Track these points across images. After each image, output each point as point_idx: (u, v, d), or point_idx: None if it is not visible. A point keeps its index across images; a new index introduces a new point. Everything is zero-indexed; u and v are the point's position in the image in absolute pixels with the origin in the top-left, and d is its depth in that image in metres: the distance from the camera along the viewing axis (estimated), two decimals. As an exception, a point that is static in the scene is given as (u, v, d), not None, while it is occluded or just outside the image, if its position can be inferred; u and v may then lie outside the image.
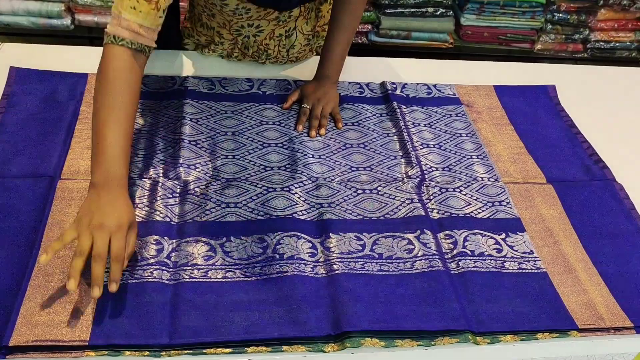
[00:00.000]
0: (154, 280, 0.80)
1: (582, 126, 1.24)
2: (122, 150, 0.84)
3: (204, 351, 0.73)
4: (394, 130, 1.15)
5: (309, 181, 1.00)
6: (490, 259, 0.91)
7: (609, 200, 1.06)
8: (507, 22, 2.21)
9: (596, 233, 1.00)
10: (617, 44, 2.33)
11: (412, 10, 2.14)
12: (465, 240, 0.94)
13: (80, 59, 1.19)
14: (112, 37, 0.88)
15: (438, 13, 2.16)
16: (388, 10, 2.13)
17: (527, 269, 0.91)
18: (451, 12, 2.19)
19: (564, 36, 2.29)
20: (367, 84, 1.26)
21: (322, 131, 1.12)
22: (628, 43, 2.33)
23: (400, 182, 1.03)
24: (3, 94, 1.07)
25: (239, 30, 1.16)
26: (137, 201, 0.90)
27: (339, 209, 0.96)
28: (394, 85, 1.25)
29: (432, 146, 1.13)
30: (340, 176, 1.03)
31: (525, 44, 2.28)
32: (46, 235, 0.83)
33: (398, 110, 1.19)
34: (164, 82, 1.16)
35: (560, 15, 2.23)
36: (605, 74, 1.47)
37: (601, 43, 2.31)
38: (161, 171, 0.97)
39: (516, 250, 0.94)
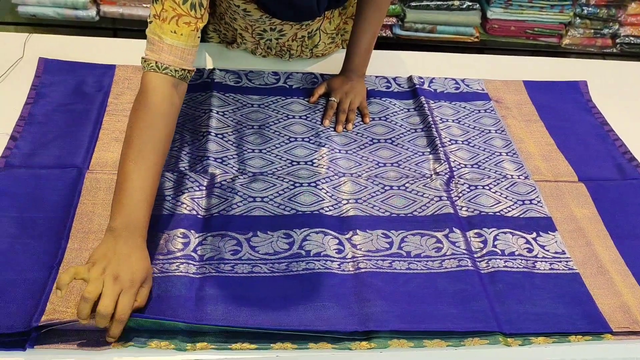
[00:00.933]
0: (181, 274, 0.79)
1: (614, 123, 1.21)
2: (148, 196, 0.78)
3: (230, 346, 0.73)
4: (421, 126, 1.13)
5: (336, 176, 0.99)
6: (521, 259, 0.89)
7: None
8: (534, 15, 2.16)
9: (630, 234, 0.97)
10: (648, 39, 2.27)
11: (438, 3, 2.10)
12: (495, 239, 0.92)
13: (106, 51, 1.19)
14: (155, 65, 0.84)
15: (464, 6, 2.12)
16: (413, 4, 2.10)
17: (559, 269, 0.89)
18: (477, 5, 2.15)
19: (592, 31, 2.23)
20: (394, 78, 1.24)
21: (350, 126, 1.10)
22: (659, 38, 2.27)
23: (429, 179, 1.01)
24: (32, 85, 1.07)
25: (261, 34, 1.15)
26: (165, 193, 0.90)
27: (366, 205, 0.95)
28: (422, 80, 1.23)
29: (461, 142, 1.11)
30: (367, 172, 1.01)
31: (552, 39, 2.23)
32: (74, 227, 0.83)
33: (426, 105, 1.17)
34: None
35: (590, 9, 2.17)
36: (636, 69, 1.43)
37: (631, 38, 2.25)
38: (187, 164, 0.97)
39: (547, 250, 0.92)
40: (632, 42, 2.27)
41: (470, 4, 2.13)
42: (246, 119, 1.08)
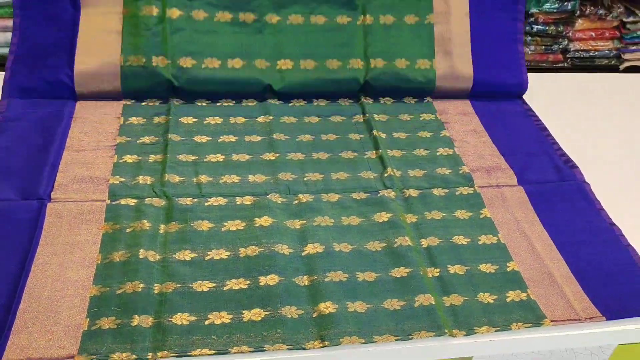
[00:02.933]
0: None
1: (555, 130, 1.29)
2: None
3: (189, 353, 0.77)
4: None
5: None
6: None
7: (579, 201, 1.10)
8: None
9: (567, 231, 1.03)
10: (596, 53, 2.39)
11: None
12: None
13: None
14: None
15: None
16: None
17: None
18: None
19: (543, 47, 2.36)
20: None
21: None
22: (607, 51, 2.40)
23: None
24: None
25: None
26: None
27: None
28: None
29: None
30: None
31: (506, 57, 2.35)
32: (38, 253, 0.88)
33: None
34: None
35: (539, 26, 2.30)
36: (579, 80, 1.53)
37: (580, 52, 2.38)
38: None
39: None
40: (582, 55, 2.40)
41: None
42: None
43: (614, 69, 2.41)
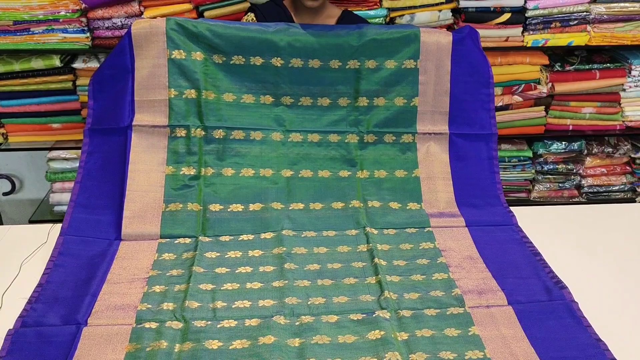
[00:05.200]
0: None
1: (557, 258, 1.38)
2: None
3: None
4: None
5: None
6: None
7: (566, 318, 1.17)
8: (500, 175, 2.43)
9: (553, 346, 1.09)
10: (611, 187, 2.48)
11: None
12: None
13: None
14: None
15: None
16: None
17: None
18: (447, 172, 2.45)
19: (557, 184, 2.48)
20: None
21: None
22: (621, 186, 2.49)
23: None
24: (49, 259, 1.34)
25: None
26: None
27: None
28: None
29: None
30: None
31: (521, 194, 2.48)
32: None
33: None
34: None
35: (549, 166, 2.44)
36: (576, 212, 1.65)
37: (595, 187, 2.48)
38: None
39: None
40: (597, 190, 2.49)
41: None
42: None
43: (630, 201, 2.48)
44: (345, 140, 1.57)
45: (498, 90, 2.30)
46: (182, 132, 1.51)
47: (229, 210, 1.48)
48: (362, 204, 1.51)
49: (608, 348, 1.08)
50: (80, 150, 2.33)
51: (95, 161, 1.50)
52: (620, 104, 2.35)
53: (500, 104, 2.29)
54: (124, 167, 1.48)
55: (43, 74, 2.20)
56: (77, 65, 2.20)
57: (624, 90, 2.32)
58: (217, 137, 1.53)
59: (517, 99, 2.29)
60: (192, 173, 1.51)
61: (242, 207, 1.49)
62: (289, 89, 1.56)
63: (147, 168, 1.49)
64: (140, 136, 1.49)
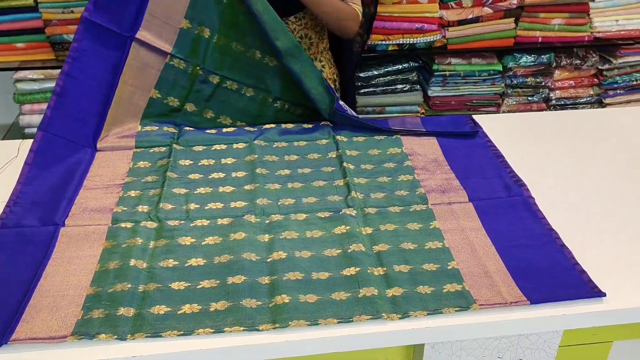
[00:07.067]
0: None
1: (514, 159, 1.43)
2: None
3: (161, 334, 0.93)
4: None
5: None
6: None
7: (522, 212, 1.24)
8: (470, 89, 2.47)
9: (508, 236, 1.16)
10: (578, 99, 2.55)
11: (383, 88, 2.43)
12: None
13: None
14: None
15: (407, 89, 2.45)
16: (362, 91, 2.43)
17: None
18: (418, 87, 2.47)
19: (526, 97, 2.53)
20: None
21: None
22: (588, 97, 2.55)
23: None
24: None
25: None
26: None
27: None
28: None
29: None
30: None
31: (491, 107, 2.53)
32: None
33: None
34: None
35: (518, 80, 2.48)
36: (540, 119, 1.70)
37: (563, 100, 2.54)
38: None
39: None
40: (564, 103, 2.55)
41: (411, 86, 2.45)
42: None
43: (597, 114, 2.55)
44: None
45: (468, 2, 2.29)
46: (181, 64, 1.49)
47: (204, 132, 1.50)
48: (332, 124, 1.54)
49: (559, 236, 1.16)
50: (47, 71, 2.31)
51: (85, 59, 1.42)
52: (589, 14, 2.36)
53: (470, 16, 2.29)
54: (114, 77, 1.45)
55: (2, -11, 2.13)
56: (37, -20, 2.13)
57: (593, 0, 2.33)
58: (212, 81, 1.52)
59: (487, 10, 2.29)
60: (176, 105, 1.51)
61: (216, 130, 1.51)
62: None
63: (135, 83, 1.47)
64: (139, 51, 1.46)
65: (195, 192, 1.30)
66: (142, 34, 1.45)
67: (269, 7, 1.46)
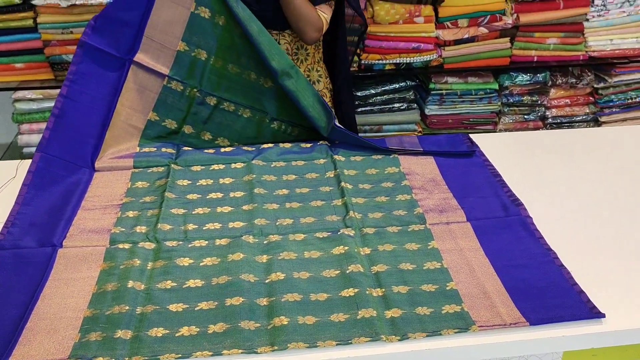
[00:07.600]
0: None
1: (510, 178, 1.44)
2: None
3: (159, 357, 0.92)
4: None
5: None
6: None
7: (520, 232, 1.24)
8: (467, 108, 2.48)
9: (506, 256, 1.16)
10: (574, 117, 2.56)
11: (380, 107, 2.45)
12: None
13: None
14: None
15: (404, 107, 2.46)
16: (359, 109, 2.44)
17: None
18: (415, 105, 2.49)
19: (522, 115, 2.54)
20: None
21: None
22: (584, 116, 2.56)
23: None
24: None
25: None
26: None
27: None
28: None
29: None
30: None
31: (488, 126, 2.54)
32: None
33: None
34: None
35: (515, 98, 2.50)
36: (537, 137, 1.71)
37: (559, 118, 2.55)
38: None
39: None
40: (561, 121, 2.57)
41: (408, 105, 2.47)
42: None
43: (593, 132, 2.57)
44: None
45: (464, 22, 2.32)
46: (178, 86, 1.50)
47: (202, 152, 1.51)
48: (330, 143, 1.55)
49: (557, 256, 1.16)
50: (45, 91, 2.31)
51: (83, 82, 1.44)
52: (583, 34, 2.39)
53: (466, 36, 2.31)
54: (113, 99, 1.46)
55: (2, 11, 2.14)
56: (37, 1, 2.15)
57: (587, 20, 2.36)
58: (209, 103, 1.53)
59: (482, 30, 2.32)
60: (173, 127, 1.52)
61: (214, 150, 1.52)
62: None
63: (133, 106, 1.48)
64: (137, 74, 1.47)
65: (193, 213, 1.30)
66: (140, 57, 1.46)
67: (264, 29, 1.48)
